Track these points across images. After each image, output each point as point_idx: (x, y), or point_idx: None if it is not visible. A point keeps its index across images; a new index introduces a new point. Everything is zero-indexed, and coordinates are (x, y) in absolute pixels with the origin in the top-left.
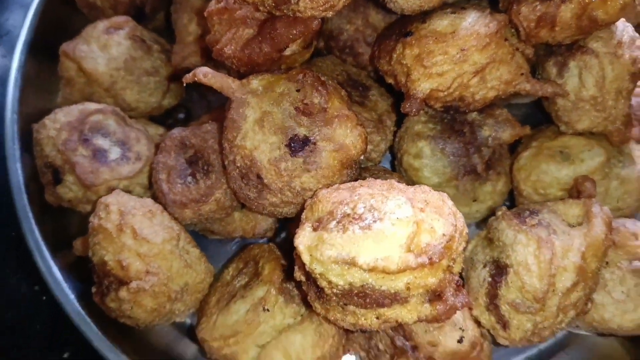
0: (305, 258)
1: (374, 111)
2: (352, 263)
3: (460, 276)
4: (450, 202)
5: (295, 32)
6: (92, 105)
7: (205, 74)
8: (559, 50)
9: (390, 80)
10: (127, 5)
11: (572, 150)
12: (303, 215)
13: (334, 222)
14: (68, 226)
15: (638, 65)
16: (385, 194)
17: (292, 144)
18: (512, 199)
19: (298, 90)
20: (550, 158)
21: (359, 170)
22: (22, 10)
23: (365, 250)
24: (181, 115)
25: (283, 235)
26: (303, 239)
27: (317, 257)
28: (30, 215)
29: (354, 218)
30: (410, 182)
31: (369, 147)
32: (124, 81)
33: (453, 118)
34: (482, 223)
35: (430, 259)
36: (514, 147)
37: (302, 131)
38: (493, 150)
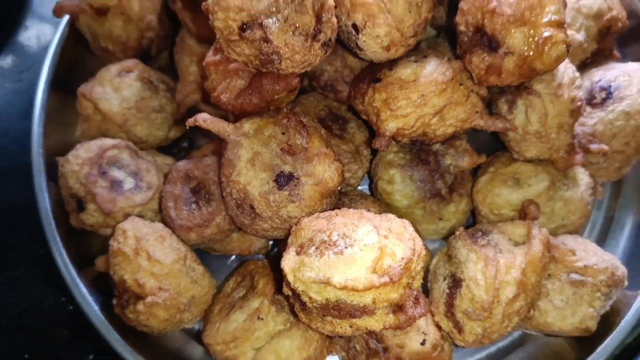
0: (290, 278)
1: (352, 143)
2: (327, 283)
3: (425, 287)
4: (410, 229)
5: (278, 87)
6: (108, 141)
7: (204, 120)
8: (509, 90)
9: (364, 117)
10: (136, 49)
11: (522, 176)
12: (289, 240)
13: (313, 248)
14: (91, 246)
15: (576, 103)
16: (355, 222)
17: (279, 180)
18: (475, 216)
19: (283, 133)
20: (503, 183)
21: (338, 196)
22: (39, 49)
23: (338, 273)
24: (185, 144)
25: (275, 250)
26: (288, 262)
27: (299, 277)
28: (57, 237)
29: (329, 244)
30: (384, 204)
31: (348, 174)
32: (135, 118)
33: (420, 149)
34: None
35: (391, 279)
36: (477, 170)
37: (287, 168)
38: (455, 175)
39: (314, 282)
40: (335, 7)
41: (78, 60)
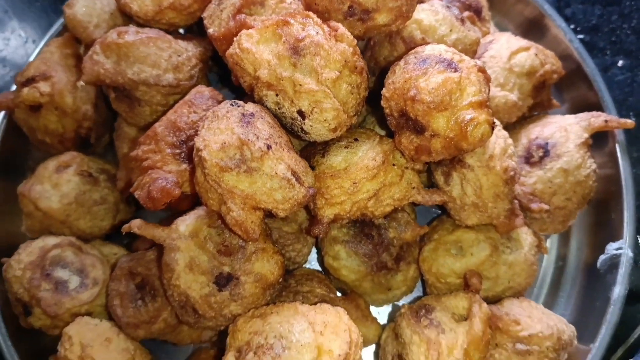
0: None
1: (294, 222)
2: None
3: None
4: (345, 318)
5: (161, 197)
6: (50, 241)
7: (139, 227)
8: (444, 162)
9: None
10: (74, 139)
11: (464, 244)
12: (227, 341)
13: (251, 354)
14: (44, 342)
15: (510, 173)
16: (290, 320)
17: (219, 281)
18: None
19: (219, 234)
20: (447, 252)
21: (281, 283)
22: None
23: None
24: None
25: None
26: None
27: None
28: (8, 340)
29: (266, 349)
30: (333, 277)
31: (293, 253)
32: (77, 213)
33: (363, 223)
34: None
35: None
36: (423, 236)
37: (225, 269)
38: (400, 246)
39: None
40: (277, 94)
41: (19, 150)
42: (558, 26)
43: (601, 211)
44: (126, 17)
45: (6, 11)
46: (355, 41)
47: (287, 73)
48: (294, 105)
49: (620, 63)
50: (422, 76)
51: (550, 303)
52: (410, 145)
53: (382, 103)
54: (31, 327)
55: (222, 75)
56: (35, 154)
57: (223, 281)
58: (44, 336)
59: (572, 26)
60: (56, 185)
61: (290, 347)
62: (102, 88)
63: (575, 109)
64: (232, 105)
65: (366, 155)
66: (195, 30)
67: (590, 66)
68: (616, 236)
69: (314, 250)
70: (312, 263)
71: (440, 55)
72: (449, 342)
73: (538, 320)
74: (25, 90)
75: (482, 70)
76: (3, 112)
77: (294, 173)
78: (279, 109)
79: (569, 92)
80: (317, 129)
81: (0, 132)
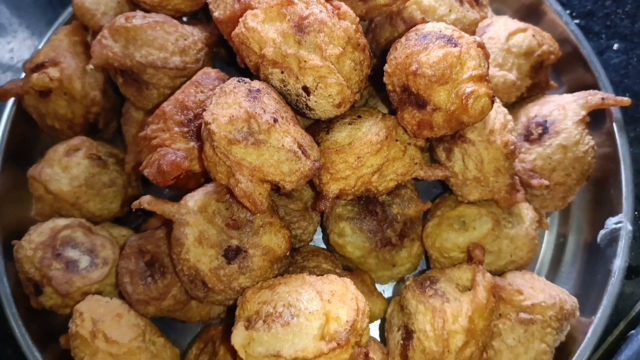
0: (242, 354)
1: (300, 200)
2: (277, 356)
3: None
4: (352, 288)
5: (171, 169)
6: (60, 222)
7: (148, 202)
8: (445, 138)
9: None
10: (82, 125)
11: (467, 219)
12: (237, 312)
13: (260, 322)
14: (54, 322)
15: (510, 147)
16: (298, 289)
17: (227, 254)
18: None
19: (227, 209)
20: (450, 227)
21: (289, 258)
22: None
23: (286, 344)
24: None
25: None
26: (238, 339)
27: (250, 353)
28: (19, 320)
29: (275, 316)
30: (338, 255)
31: (299, 231)
32: (86, 195)
33: (367, 200)
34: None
35: (338, 343)
36: (426, 213)
37: (234, 242)
38: (404, 222)
39: (265, 357)
40: (282, 72)
41: (29, 137)
42: (554, 10)
43: (600, 189)
44: (133, 4)
45: (13, 5)
46: (358, 19)
47: (292, 50)
48: (299, 81)
49: (615, 46)
50: (423, 51)
51: (552, 278)
52: (412, 121)
53: (385, 79)
54: (42, 306)
55: (228, 60)
56: (44, 141)
57: (232, 254)
58: (54, 317)
59: (567, 11)
60: (66, 168)
61: (299, 314)
62: (110, 74)
63: (572, 91)
64: (239, 82)
65: (370, 130)
66: (201, 16)
67: (586, 48)
68: (615, 212)
69: (319, 230)
70: (318, 244)
71: (440, 31)
72: (454, 310)
73: (540, 290)
74: (35, 75)
75: (481, 46)
76: (12, 100)
77: (300, 146)
78: (284, 86)
79: (566, 74)
80: (322, 104)
81: (10, 120)
